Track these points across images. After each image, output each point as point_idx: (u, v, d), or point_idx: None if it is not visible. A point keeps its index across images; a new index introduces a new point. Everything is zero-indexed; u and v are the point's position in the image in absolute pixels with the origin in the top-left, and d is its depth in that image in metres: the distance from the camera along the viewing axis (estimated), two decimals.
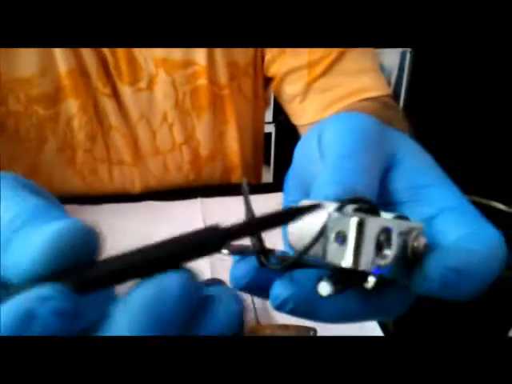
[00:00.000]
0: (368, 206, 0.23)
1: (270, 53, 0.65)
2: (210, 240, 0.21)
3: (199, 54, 0.63)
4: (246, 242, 0.29)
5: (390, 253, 0.21)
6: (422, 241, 0.22)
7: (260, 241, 0.24)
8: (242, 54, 0.65)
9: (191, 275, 0.20)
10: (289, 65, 0.64)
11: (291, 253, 0.26)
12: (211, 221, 0.64)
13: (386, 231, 0.21)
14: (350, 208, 0.23)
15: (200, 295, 0.21)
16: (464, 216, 0.25)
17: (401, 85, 1.76)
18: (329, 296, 0.22)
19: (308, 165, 0.29)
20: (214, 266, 0.56)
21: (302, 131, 0.66)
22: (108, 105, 0.64)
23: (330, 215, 0.22)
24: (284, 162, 0.85)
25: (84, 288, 0.19)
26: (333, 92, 0.63)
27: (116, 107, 0.64)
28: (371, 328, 0.49)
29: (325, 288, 0.22)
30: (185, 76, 0.63)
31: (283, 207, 0.36)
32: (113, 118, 0.65)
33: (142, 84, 0.63)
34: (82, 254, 0.19)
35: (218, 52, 0.64)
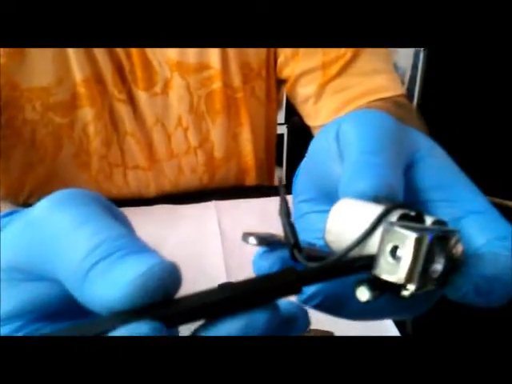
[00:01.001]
0: (414, 213, 0.22)
1: (283, 54, 0.65)
2: (288, 283, 0.21)
3: (213, 57, 0.63)
4: (275, 231, 0.29)
5: (439, 267, 0.21)
6: (459, 248, 0.22)
7: (294, 234, 0.24)
8: (255, 57, 0.66)
9: (276, 311, 0.21)
10: (302, 67, 0.64)
11: (320, 247, 0.26)
12: (226, 224, 0.64)
13: (438, 245, 0.21)
14: (395, 214, 0.22)
15: (282, 326, 0.22)
16: (490, 220, 0.25)
17: (414, 84, 1.75)
18: (367, 301, 0.22)
19: (325, 160, 0.29)
20: (229, 265, 0.56)
21: (317, 132, 0.66)
22: (123, 110, 0.64)
23: (387, 228, 0.21)
24: (297, 164, 0.85)
25: (172, 323, 0.19)
26: (347, 92, 0.63)
27: (131, 112, 0.65)
28: (388, 328, 0.48)
29: (364, 293, 0.22)
30: (199, 80, 0.64)
31: (294, 207, 0.36)
32: (128, 123, 0.65)
33: (157, 88, 0.64)
34: (166, 292, 0.19)
35: (232, 55, 0.64)
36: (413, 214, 0.22)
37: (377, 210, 0.23)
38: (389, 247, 0.21)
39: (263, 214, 0.65)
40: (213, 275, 0.55)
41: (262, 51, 0.66)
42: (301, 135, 0.89)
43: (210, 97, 0.66)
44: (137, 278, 0.19)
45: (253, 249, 0.69)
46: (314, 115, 0.66)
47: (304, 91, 0.66)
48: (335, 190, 0.27)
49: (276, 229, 0.69)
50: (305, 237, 0.33)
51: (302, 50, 0.63)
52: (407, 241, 0.21)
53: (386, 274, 0.21)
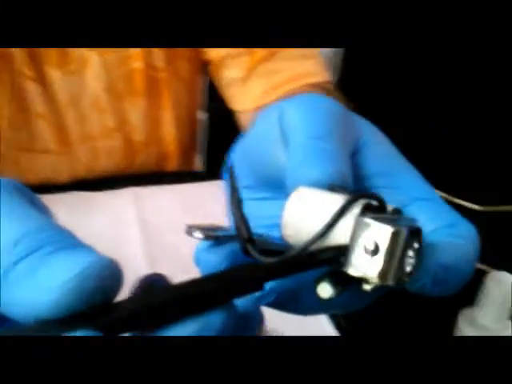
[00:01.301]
0: (377, 203, 0.21)
1: None
2: (249, 280, 0.19)
3: None
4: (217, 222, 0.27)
5: (412, 261, 0.20)
6: (420, 240, 0.21)
7: (247, 226, 0.22)
8: None
9: (232, 310, 0.19)
10: (228, 49, 0.61)
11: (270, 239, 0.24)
12: (146, 211, 0.60)
13: (411, 239, 0.20)
14: (358, 204, 0.21)
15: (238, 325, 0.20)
16: (436, 207, 0.24)
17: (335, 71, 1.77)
18: (329, 298, 0.20)
19: (267, 145, 0.27)
20: (151, 255, 0.53)
21: (243, 117, 0.64)
22: (33, 90, 0.58)
23: (359, 221, 0.20)
24: (216, 151, 0.82)
25: (113, 331, 0.16)
26: (276, 77, 0.61)
27: (42, 92, 0.59)
28: (322, 324, 0.47)
29: (326, 290, 0.20)
30: (119, 58, 0.59)
31: (228, 193, 0.34)
32: (38, 103, 0.59)
33: (72, 66, 0.59)
34: (105, 295, 0.17)
35: None
36: (375, 203, 0.21)
37: (337, 199, 0.21)
38: (362, 241, 0.19)
39: (185, 201, 0.62)
40: (134, 266, 0.51)
41: None
42: (221, 122, 0.86)
43: (130, 76, 0.61)
44: (70, 280, 0.16)
45: (175, 237, 0.65)
46: (241, 99, 0.64)
47: (230, 74, 0.63)
48: (276, 176, 0.26)
49: (199, 216, 0.66)
50: None
51: None
52: (384, 235, 0.19)
53: (358, 270, 0.20)
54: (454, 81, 1.12)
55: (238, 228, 0.23)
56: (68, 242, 0.18)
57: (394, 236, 0.19)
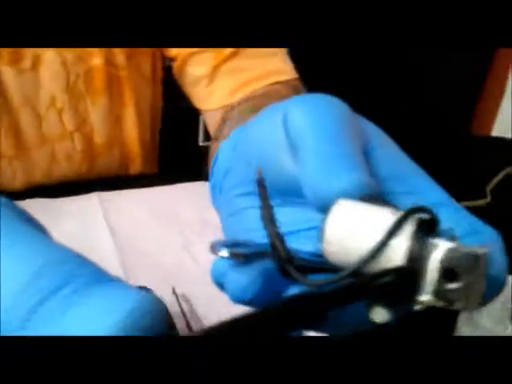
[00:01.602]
0: (429, 217, 0.19)
1: None
2: (312, 312, 0.18)
3: None
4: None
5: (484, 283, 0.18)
6: None
7: (284, 245, 0.20)
8: None
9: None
10: None
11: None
12: (113, 216, 0.57)
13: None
14: (412, 220, 0.19)
15: None
16: (456, 213, 0.23)
17: None
18: (383, 323, 0.19)
19: (271, 151, 0.26)
20: (124, 260, 0.50)
21: (209, 116, 0.61)
22: None
23: (442, 247, 0.18)
24: (171, 152, 0.79)
25: None
26: (243, 74, 0.59)
27: None
28: None
29: (381, 314, 0.19)
30: (77, 54, 0.56)
31: (226, 201, 0.32)
32: None
33: (26, 64, 0.54)
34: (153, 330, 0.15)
35: None
36: (427, 217, 0.20)
37: (385, 213, 0.20)
38: (434, 264, 0.18)
39: (152, 205, 0.59)
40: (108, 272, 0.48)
41: None
42: (176, 121, 0.84)
43: (90, 74, 0.58)
44: (123, 319, 0.14)
45: (148, 245, 0.62)
46: (207, 98, 0.61)
47: (195, 72, 0.60)
48: (282, 181, 0.25)
49: (171, 221, 0.63)
50: (244, 236, 0.29)
51: None
52: (467, 259, 0.18)
53: (436, 296, 0.18)
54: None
55: (273, 246, 0.21)
56: (97, 274, 0.16)
57: (477, 259, 0.18)
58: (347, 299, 0.19)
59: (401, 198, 0.24)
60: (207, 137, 1.06)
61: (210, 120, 0.61)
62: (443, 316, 0.40)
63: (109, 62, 0.58)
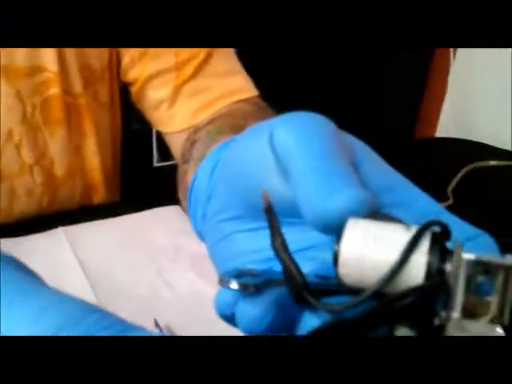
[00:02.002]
0: (441, 230, 0.19)
1: (129, 55, 0.58)
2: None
3: (48, 59, 0.53)
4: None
5: None
6: None
7: (299, 271, 0.20)
8: (97, 58, 0.58)
9: None
10: (153, 68, 0.58)
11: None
12: (83, 251, 0.55)
13: None
14: (427, 235, 0.19)
15: None
16: (450, 221, 0.23)
17: None
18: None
19: (258, 172, 0.25)
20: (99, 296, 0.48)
21: (172, 138, 0.60)
22: None
23: (463, 259, 0.18)
24: (129, 177, 0.78)
25: None
26: (204, 95, 0.59)
27: None
28: None
29: (405, 333, 0.19)
30: (32, 85, 0.54)
31: (211, 227, 0.31)
32: None
33: None
34: None
35: (70, 55, 0.55)
36: (439, 230, 0.20)
37: (398, 230, 0.20)
38: (462, 279, 0.18)
39: (122, 235, 0.58)
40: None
41: (105, 52, 0.58)
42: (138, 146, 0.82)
43: (47, 105, 0.56)
44: None
45: (122, 277, 0.60)
46: (169, 120, 0.60)
47: (156, 95, 0.59)
48: (272, 203, 0.24)
49: (142, 250, 0.62)
50: (234, 261, 0.29)
51: (152, 50, 0.57)
52: (499, 271, 0.18)
53: (468, 314, 0.18)
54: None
55: (288, 273, 0.21)
56: (120, 323, 0.15)
57: (510, 270, 0.18)
58: (373, 324, 0.19)
59: (393, 210, 0.24)
60: (162, 157, 1.04)
61: (174, 143, 0.60)
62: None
63: (66, 91, 0.56)
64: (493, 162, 0.77)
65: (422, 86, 1.28)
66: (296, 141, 0.24)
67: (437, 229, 0.20)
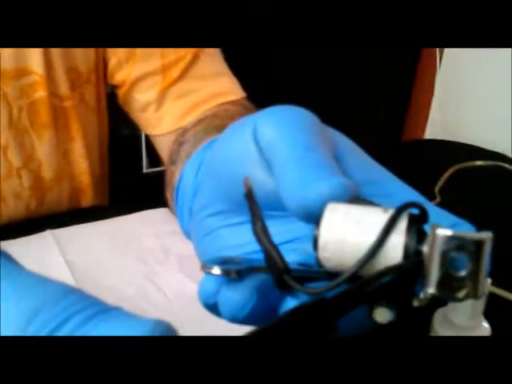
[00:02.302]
0: (419, 213, 0.20)
1: (116, 57, 0.58)
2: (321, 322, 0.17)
3: (34, 61, 0.53)
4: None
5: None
6: None
7: (280, 255, 0.20)
8: (83, 60, 0.57)
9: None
10: (140, 70, 0.58)
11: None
12: (71, 254, 0.55)
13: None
14: (404, 217, 0.19)
15: None
16: (432, 211, 0.24)
17: None
18: (387, 323, 0.18)
19: (242, 165, 0.26)
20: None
21: (160, 141, 0.61)
22: None
23: (437, 234, 0.18)
24: (118, 182, 0.78)
25: None
26: (192, 96, 0.59)
27: None
28: None
29: (385, 314, 0.19)
30: (19, 88, 0.53)
31: (196, 224, 0.31)
32: None
33: None
34: None
35: (57, 58, 0.55)
36: (417, 213, 0.20)
37: (377, 213, 0.20)
38: (437, 256, 0.18)
39: (110, 237, 0.58)
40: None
41: (91, 54, 0.58)
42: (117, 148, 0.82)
43: (34, 107, 0.56)
44: None
45: (113, 280, 0.60)
46: (157, 123, 0.60)
47: (143, 97, 0.59)
48: (257, 197, 0.24)
49: (131, 253, 0.62)
50: (220, 255, 0.29)
51: (138, 52, 0.57)
52: (472, 246, 0.18)
53: (440, 290, 0.18)
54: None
55: (270, 257, 0.21)
56: (97, 304, 0.16)
57: (482, 244, 0.18)
58: (352, 304, 0.19)
59: (376, 201, 0.24)
60: (152, 163, 1.04)
61: (162, 145, 0.60)
62: (418, 317, 0.41)
63: (52, 94, 0.56)
64: (479, 163, 0.78)
65: (410, 88, 1.29)
66: (279, 133, 0.24)
67: (415, 211, 0.20)
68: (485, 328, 0.39)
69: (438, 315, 0.39)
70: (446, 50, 1.10)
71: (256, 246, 0.23)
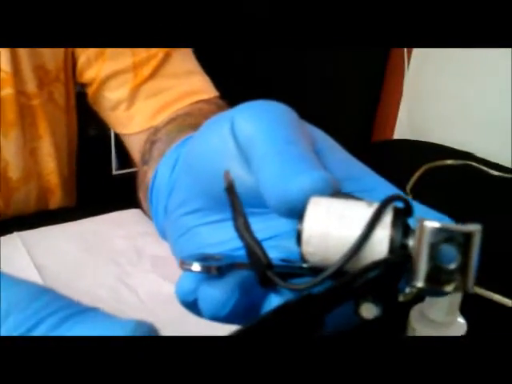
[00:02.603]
0: (403, 206, 0.19)
1: (85, 55, 0.57)
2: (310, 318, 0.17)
3: (2, 58, 0.51)
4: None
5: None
6: None
7: (263, 251, 0.19)
8: (52, 58, 0.56)
9: None
10: (109, 68, 0.57)
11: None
12: (39, 256, 0.54)
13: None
14: (389, 210, 0.19)
15: None
16: (414, 205, 0.24)
17: None
18: (374, 318, 0.18)
19: (219, 161, 0.25)
20: None
21: (131, 140, 0.59)
22: None
23: (425, 226, 0.18)
24: (86, 183, 0.76)
25: None
26: (163, 95, 0.58)
27: None
28: None
29: (371, 310, 0.18)
30: None
31: (172, 223, 0.31)
32: None
33: None
34: None
35: (24, 55, 0.53)
36: (401, 206, 0.20)
37: (361, 207, 0.20)
38: (426, 249, 0.18)
39: (81, 239, 0.56)
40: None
41: (59, 52, 0.56)
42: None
43: (0, 106, 0.54)
44: None
45: (84, 283, 0.58)
46: (127, 122, 0.59)
47: (113, 96, 0.58)
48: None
49: (103, 254, 0.61)
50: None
51: (108, 50, 0.56)
52: (461, 238, 0.18)
53: (429, 283, 0.18)
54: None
55: (252, 253, 0.20)
56: (74, 306, 0.15)
57: (471, 236, 0.18)
58: (339, 300, 0.19)
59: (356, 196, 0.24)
60: (122, 165, 1.02)
61: (133, 144, 0.59)
62: (395, 314, 0.41)
63: (19, 92, 0.54)
64: (449, 161, 0.79)
65: (379, 88, 1.30)
66: (258, 127, 0.24)
67: (399, 205, 0.20)
68: (461, 324, 0.39)
69: (415, 311, 0.39)
70: (414, 51, 1.12)
71: (237, 244, 0.22)
